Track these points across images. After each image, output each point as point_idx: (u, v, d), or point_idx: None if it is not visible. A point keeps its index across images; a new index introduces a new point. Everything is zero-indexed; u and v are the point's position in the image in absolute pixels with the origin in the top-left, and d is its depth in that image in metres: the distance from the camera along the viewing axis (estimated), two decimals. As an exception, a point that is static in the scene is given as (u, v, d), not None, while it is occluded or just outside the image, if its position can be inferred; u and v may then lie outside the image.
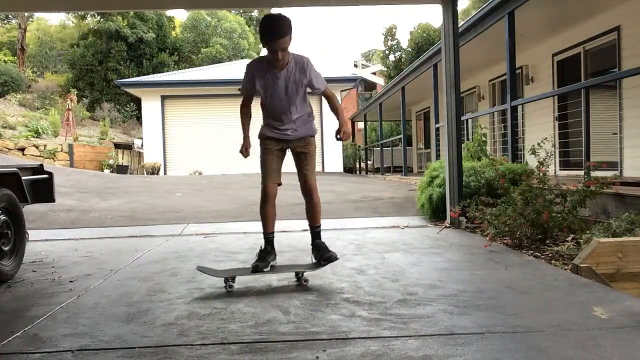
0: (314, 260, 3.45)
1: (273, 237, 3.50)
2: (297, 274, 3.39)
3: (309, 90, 3.41)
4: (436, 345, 2.20)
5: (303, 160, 3.47)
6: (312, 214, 3.51)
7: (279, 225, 6.14)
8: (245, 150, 3.50)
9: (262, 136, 3.50)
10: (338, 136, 3.43)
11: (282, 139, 3.44)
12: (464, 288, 3.15)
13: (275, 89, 3.32)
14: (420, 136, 19.84)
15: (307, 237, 4.92)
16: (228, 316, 2.69)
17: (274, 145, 3.44)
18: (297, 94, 3.35)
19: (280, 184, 3.48)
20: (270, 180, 3.40)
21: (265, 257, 3.40)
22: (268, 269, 3.39)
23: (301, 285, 3.31)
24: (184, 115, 17.88)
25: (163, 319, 2.68)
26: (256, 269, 3.32)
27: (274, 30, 3.10)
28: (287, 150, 3.52)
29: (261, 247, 3.47)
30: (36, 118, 19.06)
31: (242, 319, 2.63)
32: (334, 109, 3.52)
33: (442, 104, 6.20)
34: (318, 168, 17.40)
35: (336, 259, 3.36)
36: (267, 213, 3.44)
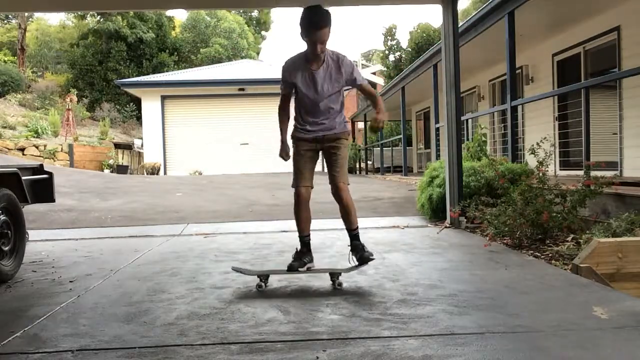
0: (353, 262, 3.37)
1: (309, 239, 3.44)
2: (332, 276, 3.29)
3: (346, 87, 3.41)
4: (436, 345, 2.20)
5: (333, 161, 3.39)
6: (346, 218, 3.43)
7: (278, 225, 6.18)
8: (285, 155, 3.44)
9: (294, 137, 3.45)
10: (370, 123, 3.41)
11: (315, 139, 3.39)
12: (464, 288, 3.15)
13: (311, 87, 3.29)
14: (420, 136, 19.84)
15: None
16: (228, 316, 2.69)
17: (307, 146, 3.40)
18: (333, 92, 3.31)
19: (311, 187, 3.43)
20: (303, 184, 3.35)
21: (301, 257, 3.37)
22: (304, 269, 3.35)
23: (335, 288, 3.20)
24: (184, 115, 17.89)
25: (163, 319, 2.68)
26: (291, 268, 3.30)
27: (316, 20, 3.10)
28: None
29: (297, 248, 3.43)
30: (36, 118, 19.04)
31: (242, 319, 2.63)
32: (371, 98, 3.54)
33: (442, 104, 6.20)
34: (318, 168, 17.33)
35: (369, 259, 3.30)
36: (301, 217, 3.40)
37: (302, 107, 3.40)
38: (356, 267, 3.35)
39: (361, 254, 3.30)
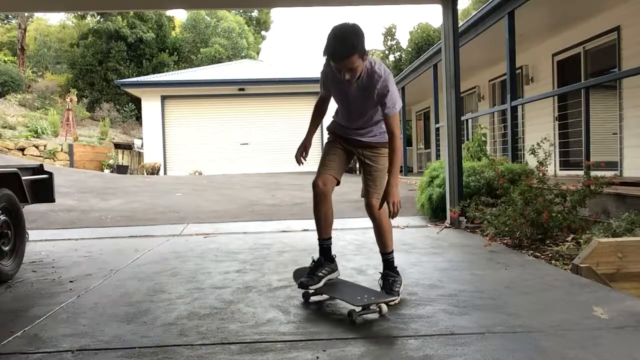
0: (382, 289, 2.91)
1: (328, 244, 2.95)
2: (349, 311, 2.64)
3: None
4: (436, 345, 2.20)
5: (367, 172, 2.94)
6: (378, 239, 2.99)
7: (278, 225, 6.18)
8: (299, 158, 3.00)
9: (329, 129, 3.07)
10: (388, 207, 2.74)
11: (348, 140, 2.99)
12: (464, 288, 3.15)
13: (344, 100, 2.90)
14: (420, 136, 19.84)
15: (308, 237, 4.94)
16: (228, 316, 2.69)
17: (339, 141, 3.00)
18: (368, 107, 2.83)
19: (337, 182, 2.96)
20: (321, 174, 2.89)
21: (315, 270, 2.86)
22: (320, 284, 2.84)
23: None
24: (184, 115, 17.88)
25: (163, 319, 2.68)
26: (301, 286, 2.84)
27: (336, 51, 2.60)
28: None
29: (312, 258, 2.96)
30: (36, 118, 19.05)
31: (242, 319, 2.63)
32: (390, 141, 2.77)
33: (442, 104, 6.21)
34: (317, 168, 17.34)
35: (387, 304, 2.69)
36: (317, 214, 2.92)
37: (339, 107, 3.05)
38: (367, 307, 2.62)
39: (381, 301, 2.66)
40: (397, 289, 2.89)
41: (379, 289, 2.91)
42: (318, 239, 2.96)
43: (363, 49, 2.64)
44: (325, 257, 2.93)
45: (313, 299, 2.97)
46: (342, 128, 3.01)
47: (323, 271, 2.87)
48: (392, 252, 2.99)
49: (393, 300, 2.77)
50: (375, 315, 2.63)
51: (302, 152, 3.03)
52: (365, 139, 2.94)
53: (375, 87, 2.71)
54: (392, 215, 2.74)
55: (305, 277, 2.86)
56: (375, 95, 2.73)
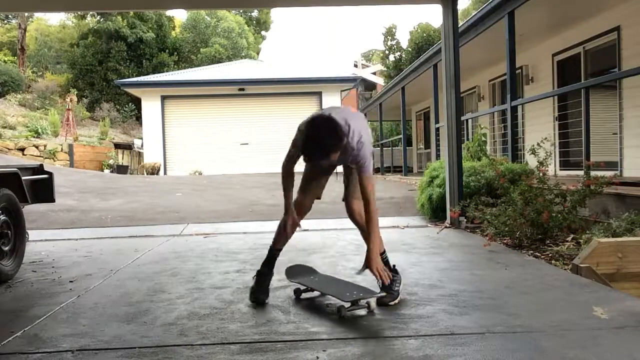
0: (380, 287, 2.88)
1: (278, 255, 3.06)
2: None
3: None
4: (436, 345, 2.20)
5: (350, 174, 2.94)
6: (366, 241, 2.86)
7: (276, 224, 6.16)
8: (293, 224, 2.93)
9: None
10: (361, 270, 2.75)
11: None
12: (464, 288, 3.15)
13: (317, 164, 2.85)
14: (420, 136, 19.83)
15: (308, 237, 4.94)
16: (228, 316, 2.69)
17: None
18: (344, 163, 2.86)
19: (318, 198, 3.01)
20: (306, 194, 2.93)
21: (264, 283, 2.98)
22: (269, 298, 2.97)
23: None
24: (184, 115, 17.88)
25: (163, 319, 2.68)
26: (257, 301, 2.91)
27: (314, 155, 2.58)
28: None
29: (258, 271, 3.02)
30: (36, 118, 19.04)
31: (242, 319, 2.64)
32: (364, 202, 2.75)
33: (442, 104, 6.21)
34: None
35: (386, 303, 2.78)
36: (289, 229, 2.93)
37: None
38: (356, 302, 2.70)
39: (373, 296, 2.73)
40: (396, 288, 2.91)
41: (378, 289, 2.91)
42: (274, 248, 3.04)
43: (339, 144, 2.53)
44: (270, 267, 3.03)
45: (305, 295, 3.04)
46: None
47: (268, 281, 3.01)
48: (384, 252, 2.98)
49: (392, 300, 2.83)
50: (374, 315, 2.64)
51: (293, 225, 2.96)
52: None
53: (349, 156, 2.73)
54: (384, 281, 2.74)
55: (256, 293, 2.95)
56: (349, 161, 2.78)
